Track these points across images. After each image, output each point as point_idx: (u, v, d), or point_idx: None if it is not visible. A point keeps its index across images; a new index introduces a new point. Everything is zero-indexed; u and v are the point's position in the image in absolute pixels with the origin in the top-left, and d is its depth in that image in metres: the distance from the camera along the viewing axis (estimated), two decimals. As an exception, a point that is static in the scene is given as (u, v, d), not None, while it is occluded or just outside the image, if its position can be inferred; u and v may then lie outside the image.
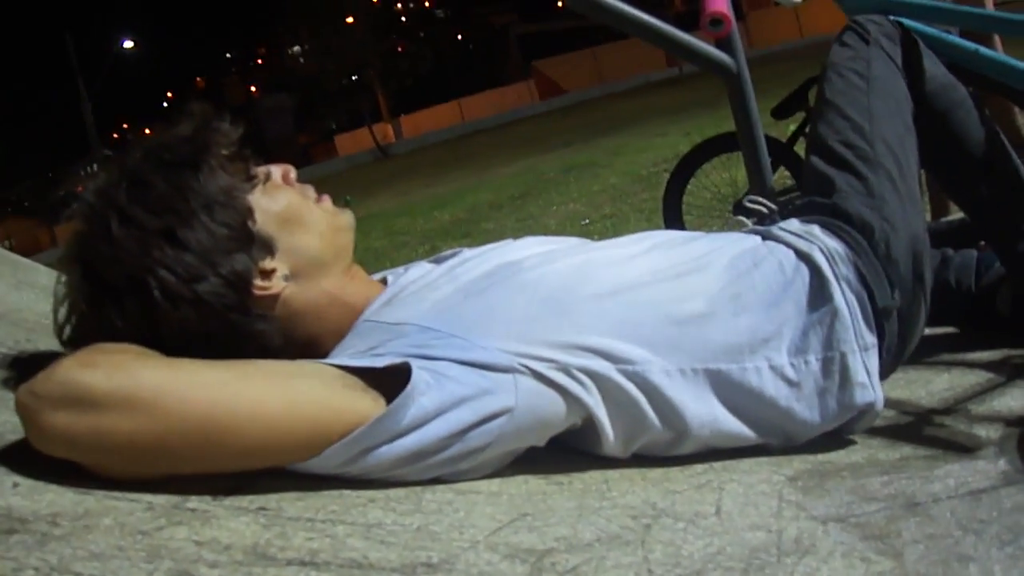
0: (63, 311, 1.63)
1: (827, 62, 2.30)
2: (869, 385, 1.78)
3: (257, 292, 1.63)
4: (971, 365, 2.19)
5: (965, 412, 1.92)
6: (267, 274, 1.65)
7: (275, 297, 1.66)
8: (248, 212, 1.65)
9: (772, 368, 1.76)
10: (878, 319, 1.83)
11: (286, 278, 1.68)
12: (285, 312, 1.68)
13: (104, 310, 1.55)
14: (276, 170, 1.76)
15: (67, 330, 1.62)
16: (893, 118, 2.15)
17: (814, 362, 1.77)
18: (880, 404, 1.78)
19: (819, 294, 1.82)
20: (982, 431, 1.80)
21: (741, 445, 1.76)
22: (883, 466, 1.69)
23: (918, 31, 2.40)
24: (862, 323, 1.81)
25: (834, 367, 1.77)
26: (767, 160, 3.02)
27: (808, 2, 3.08)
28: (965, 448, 1.74)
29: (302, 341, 1.70)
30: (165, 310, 1.54)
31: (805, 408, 1.76)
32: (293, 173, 1.79)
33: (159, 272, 1.54)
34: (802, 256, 1.87)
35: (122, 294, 1.54)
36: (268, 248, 1.66)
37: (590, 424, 1.68)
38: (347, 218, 1.82)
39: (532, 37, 56.82)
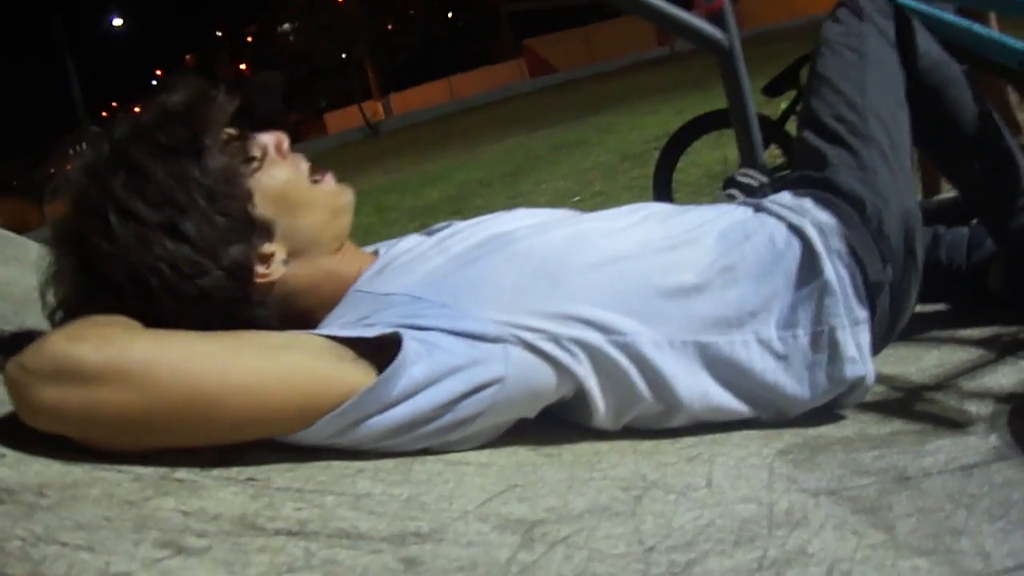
0: (54, 295, 1.61)
1: (820, 37, 2.29)
2: (859, 359, 1.77)
3: (258, 280, 1.62)
4: (962, 342, 2.19)
5: (956, 388, 1.92)
6: (266, 259, 1.64)
7: (274, 282, 1.65)
8: (248, 197, 1.63)
9: (760, 341, 1.76)
10: (869, 293, 1.83)
11: (284, 262, 1.67)
12: (282, 292, 1.67)
13: (101, 303, 1.51)
14: (269, 140, 1.73)
15: (59, 315, 1.60)
16: (886, 93, 2.14)
17: (803, 336, 1.77)
18: (871, 378, 1.78)
19: (810, 267, 1.81)
20: (973, 407, 1.80)
21: (731, 419, 1.76)
22: (874, 441, 1.69)
23: (911, 8, 2.39)
24: (853, 297, 1.81)
25: (823, 341, 1.77)
26: (759, 136, 3.01)
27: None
28: (956, 423, 1.74)
29: (296, 316, 1.69)
30: (167, 305, 1.52)
31: (794, 382, 1.76)
32: (286, 143, 1.76)
33: (161, 268, 1.52)
34: (793, 229, 1.86)
35: (122, 290, 1.52)
36: (267, 232, 1.65)
37: (581, 396, 1.67)
38: (347, 197, 1.80)
39: (523, 15, 56.67)
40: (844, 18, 2.29)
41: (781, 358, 1.75)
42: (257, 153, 1.68)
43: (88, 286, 1.54)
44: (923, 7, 2.46)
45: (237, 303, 1.60)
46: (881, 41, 2.23)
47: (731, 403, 1.74)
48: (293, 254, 1.68)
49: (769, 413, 1.77)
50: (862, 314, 1.81)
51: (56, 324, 1.59)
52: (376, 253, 1.88)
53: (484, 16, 57.30)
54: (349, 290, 1.71)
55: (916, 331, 2.24)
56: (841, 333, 1.77)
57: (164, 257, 1.52)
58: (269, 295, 1.65)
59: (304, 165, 1.76)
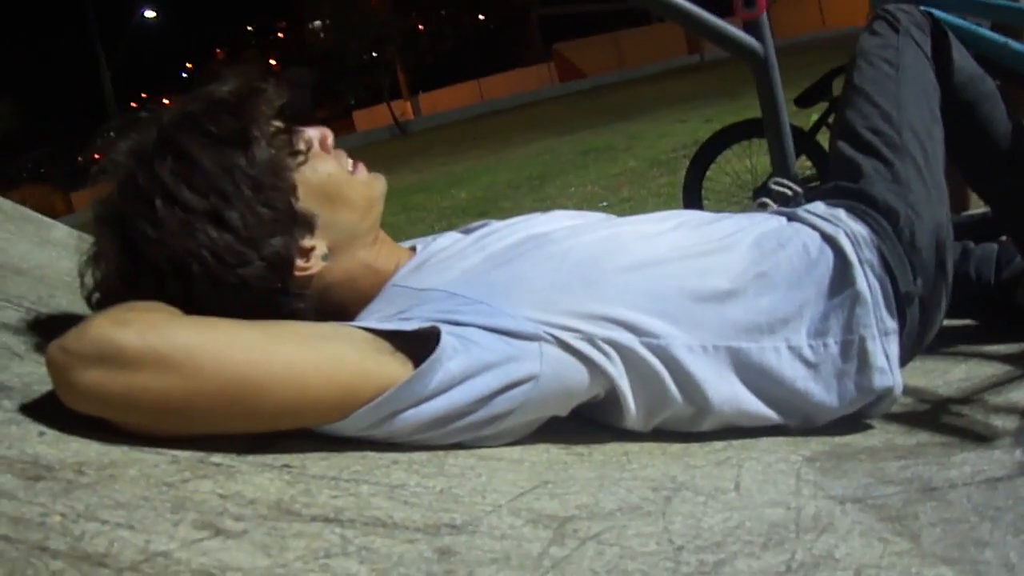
0: (92, 276, 1.63)
1: (856, 50, 2.30)
2: (888, 370, 1.78)
3: (297, 273, 1.64)
4: (989, 357, 2.19)
5: (982, 402, 1.92)
6: (307, 253, 1.66)
7: (313, 275, 1.67)
8: (292, 190, 1.65)
9: (791, 349, 1.77)
10: (900, 305, 1.84)
11: (324, 256, 1.69)
12: (321, 285, 1.69)
13: (142, 287, 1.54)
14: (315, 134, 1.75)
15: (96, 296, 1.63)
16: (921, 107, 2.15)
17: (833, 345, 1.78)
18: (899, 389, 1.79)
19: (842, 277, 1.82)
20: (999, 421, 1.80)
21: (760, 424, 1.76)
22: (900, 451, 1.70)
23: (948, 22, 2.40)
24: (883, 308, 1.81)
25: (853, 350, 1.78)
26: (791, 145, 3.02)
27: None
28: (982, 437, 1.74)
29: (334, 308, 1.71)
30: (206, 292, 1.54)
31: (823, 390, 1.77)
32: (331, 138, 1.78)
33: (203, 255, 1.53)
34: (827, 239, 1.87)
35: (164, 275, 1.54)
36: (309, 226, 1.66)
37: (613, 396, 1.69)
38: (380, 186, 1.82)
39: (553, 19, 56.61)
40: (881, 31, 2.30)
41: (811, 366, 1.76)
42: (303, 147, 1.69)
43: (130, 269, 1.56)
44: (960, 22, 2.47)
45: (276, 294, 1.61)
46: (918, 55, 2.24)
47: (760, 409, 1.75)
48: (333, 248, 1.70)
49: (797, 420, 1.78)
50: (892, 325, 1.82)
51: (94, 306, 1.62)
52: (413, 249, 1.89)
53: (514, 19, 57.25)
54: (386, 285, 1.72)
55: (944, 345, 2.25)
56: (871, 343, 1.78)
57: (207, 245, 1.53)
58: (308, 288, 1.66)
59: (346, 160, 1.79)
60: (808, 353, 1.77)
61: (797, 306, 1.79)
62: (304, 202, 1.66)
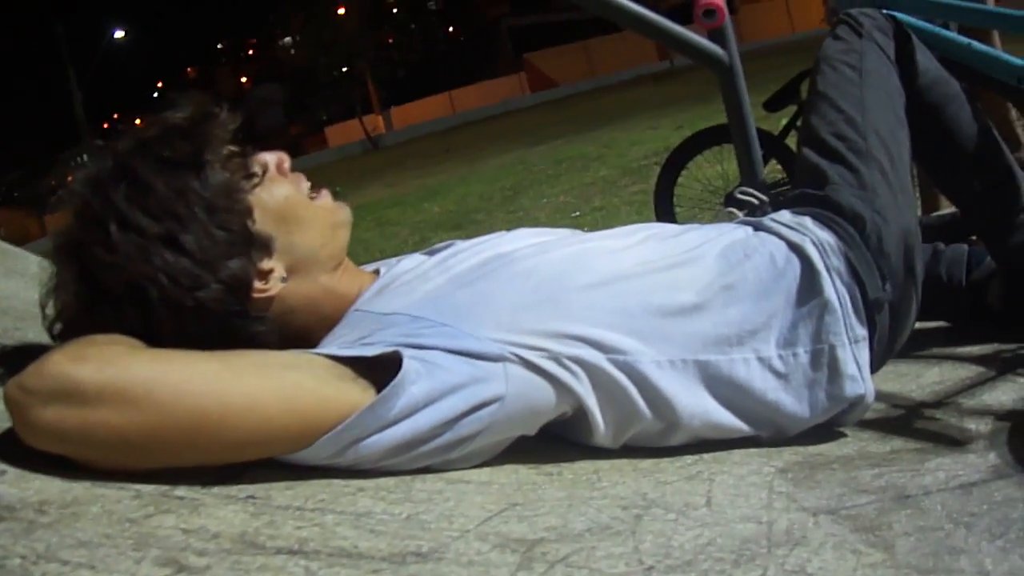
0: (53, 306, 1.61)
1: (820, 55, 2.30)
2: (859, 377, 1.78)
3: (255, 295, 1.62)
4: (962, 359, 2.20)
5: (956, 406, 1.92)
6: (265, 275, 1.64)
7: (272, 298, 1.65)
8: (248, 212, 1.63)
9: (760, 360, 1.76)
10: (869, 311, 1.83)
11: (283, 279, 1.67)
12: (280, 309, 1.67)
13: (100, 313, 1.53)
14: (271, 158, 1.74)
15: (57, 326, 1.61)
16: (885, 111, 2.15)
17: (803, 354, 1.77)
18: (871, 396, 1.79)
19: (810, 286, 1.81)
20: (972, 424, 1.80)
21: (732, 437, 1.76)
22: (874, 459, 1.69)
23: (911, 25, 2.40)
24: (852, 315, 1.81)
25: (823, 359, 1.78)
26: (759, 152, 3.01)
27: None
28: (956, 441, 1.74)
29: (295, 334, 1.69)
30: (165, 317, 1.53)
31: (794, 400, 1.76)
32: (287, 162, 1.77)
33: (159, 279, 1.52)
34: (793, 248, 1.86)
35: (121, 300, 1.53)
36: (266, 248, 1.65)
37: (581, 413, 1.68)
38: (344, 214, 1.81)
39: (524, 29, 56.76)
40: (844, 35, 2.30)
41: (781, 376, 1.76)
42: (258, 170, 1.68)
43: (87, 297, 1.55)
44: (923, 24, 2.47)
45: (235, 317, 1.60)
46: (881, 59, 2.24)
47: (731, 421, 1.74)
48: (291, 271, 1.68)
49: (769, 431, 1.77)
50: (861, 332, 1.81)
51: (55, 335, 1.60)
52: (377, 272, 1.88)
53: (485, 30, 57.43)
54: (349, 310, 1.71)
55: (916, 348, 2.25)
56: (841, 351, 1.77)
57: (163, 268, 1.52)
58: (267, 311, 1.65)
59: (304, 184, 1.77)
60: (778, 364, 1.76)
61: (765, 317, 1.78)
62: (260, 224, 1.64)
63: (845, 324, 1.79)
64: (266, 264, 1.64)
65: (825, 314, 1.79)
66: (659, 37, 2.95)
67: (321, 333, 1.69)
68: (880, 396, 1.91)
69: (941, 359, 2.22)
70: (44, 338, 1.64)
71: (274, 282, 1.65)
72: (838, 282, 1.82)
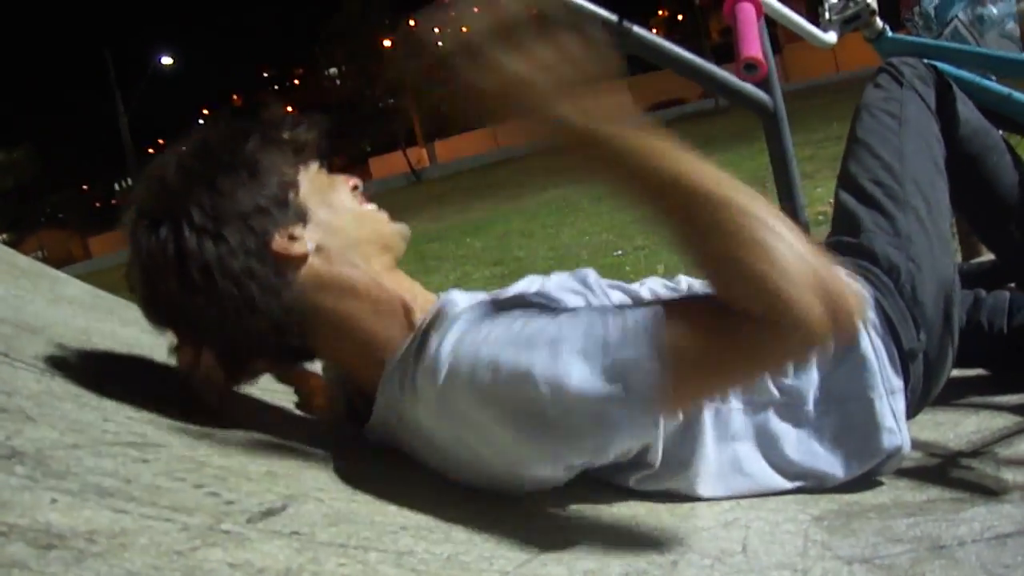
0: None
1: (860, 102, 2.31)
2: (896, 429, 1.78)
3: (276, 250, 1.67)
4: (1000, 408, 2.18)
5: (993, 455, 1.91)
6: (291, 237, 1.68)
7: (297, 261, 1.69)
8: (290, 184, 1.73)
9: (796, 413, 1.77)
10: (904, 362, 1.84)
11: (310, 249, 1.70)
12: (311, 282, 1.69)
13: (139, 239, 1.66)
14: (341, 177, 1.83)
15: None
16: (924, 159, 2.16)
17: (839, 409, 1.78)
18: (907, 447, 1.79)
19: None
20: (1009, 475, 1.80)
21: (766, 492, 1.77)
22: (909, 508, 1.69)
23: (951, 75, 2.41)
24: (888, 367, 1.82)
25: (860, 413, 1.78)
26: (801, 197, 3.02)
27: (844, 37, 3.09)
28: (992, 492, 1.74)
29: (338, 317, 1.71)
30: (190, 243, 1.61)
31: (829, 454, 1.77)
32: (359, 183, 1.85)
33: (191, 208, 1.63)
34: None
35: (159, 223, 1.64)
36: (299, 217, 1.71)
37: (642, 452, 1.69)
38: (401, 227, 1.84)
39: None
40: (884, 83, 2.32)
41: (818, 431, 1.77)
42: (312, 160, 1.80)
43: (132, 223, 1.71)
44: (963, 73, 2.48)
45: (256, 261, 1.65)
46: (921, 108, 2.25)
47: (765, 472, 1.76)
48: (323, 249, 1.71)
49: (809, 483, 1.78)
50: (898, 384, 1.82)
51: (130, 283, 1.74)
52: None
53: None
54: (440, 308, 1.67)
55: (955, 396, 2.25)
56: (878, 403, 1.78)
57: (197, 200, 1.64)
58: (290, 277, 1.68)
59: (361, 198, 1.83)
60: (814, 418, 1.77)
61: (802, 372, 1.79)
62: (303, 199, 1.72)
63: (881, 376, 1.80)
64: (297, 231, 1.69)
65: (862, 368, 1.80)
66: (702, 80, 2.96)
67: (373, 324, 1.71)
68: (917, 445, 1.91)
69: (979, 408, 2.21)
70: (92, 366, 1.67)
71: (298, 246, 1.68)
72: (874, 335, 1.83)
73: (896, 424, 1.79)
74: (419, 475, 1.67)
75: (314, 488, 1.51)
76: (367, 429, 1.73)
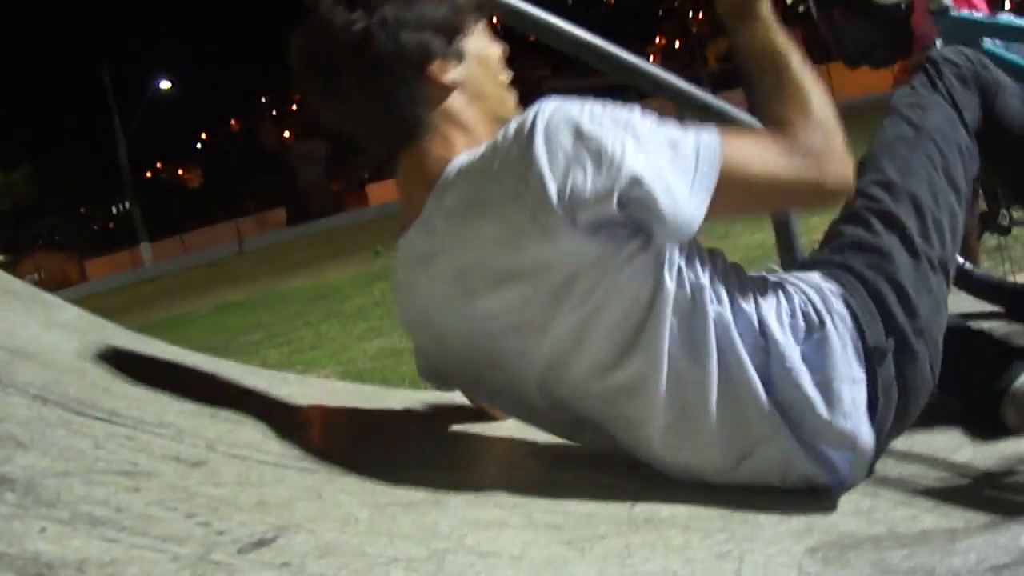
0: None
1: (889, 103, 2.31)
2: (854, 415, 1.81)
3: (432, 69, 1.92)
4: (995, 438, 2.17)
5: (988, 486, 1.91)
6: (445, 65, 1.93)
7: (441, 88, 1.95)
8: (464, 27, 1.98)
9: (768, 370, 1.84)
10: (868, 356, 1.85)
11: (458, 81, 1.96)
12: (443, 108, 1.96)
13: (333, 10, 1.90)
14: (498, 43, 2.11)
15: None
16: (933, 173, 2.12)
17: (803, 379, 1.83)
18: (864, 441, 1.81)
19: (816, 321, 1.89)
20: (1005, 505, 1.80)
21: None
22: (904, 539, 1.69)
23: (1012, 62, 2.39)
24: (851, 355, 1.85)
25: (820, 386, 1.83)
26: (796, 229, 3.02)
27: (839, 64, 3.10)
28: (987, 523, 1.74)
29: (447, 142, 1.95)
30: (376, 29, 1.86)
31: (789, 413, 1.82)
32: (507, 51, 2.12)
33: (370, 21, 1.87)
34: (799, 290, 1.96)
35: (355, 6, 1.88)
36: (459, 57, 1.96)
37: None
38: (517, 110, 2.06)
39: (566, 92, 56.69)
40: (917, 86, 2.30)
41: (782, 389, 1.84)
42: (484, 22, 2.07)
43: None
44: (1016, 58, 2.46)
45: (411, 69, 1.91)
46: (947, 115, 2.23)
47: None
48: (465, 87, 1.98)
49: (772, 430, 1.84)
50: (859, 374, 1.84)
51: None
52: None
53: (525, 93, 57.56)
54: None
55: (950, 425, 2.24)
56: (836, 384, 1.82)
57: (382, 9, 1.88)
58: (430, 97, 1.95)
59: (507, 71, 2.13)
60: (779, 379, 1.84)
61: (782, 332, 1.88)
62: (466, 44, 1.99)
63: (842, 360, 1.84)
64: (451, 66, 1.95)
65: (825, 347, 1.85)
66: (702, 112, 2.96)
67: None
68: (911, 475, 1.91)
69: (974, 437, 2.21)
70: (85, 392, 1.66)
71: (448, 75, 1.94)
72: (839, 322, 1.88)
73: (855, 411, 1.82)
74: (409, 507, 1.66)
75: (305, 519, 1.50)
76: None
